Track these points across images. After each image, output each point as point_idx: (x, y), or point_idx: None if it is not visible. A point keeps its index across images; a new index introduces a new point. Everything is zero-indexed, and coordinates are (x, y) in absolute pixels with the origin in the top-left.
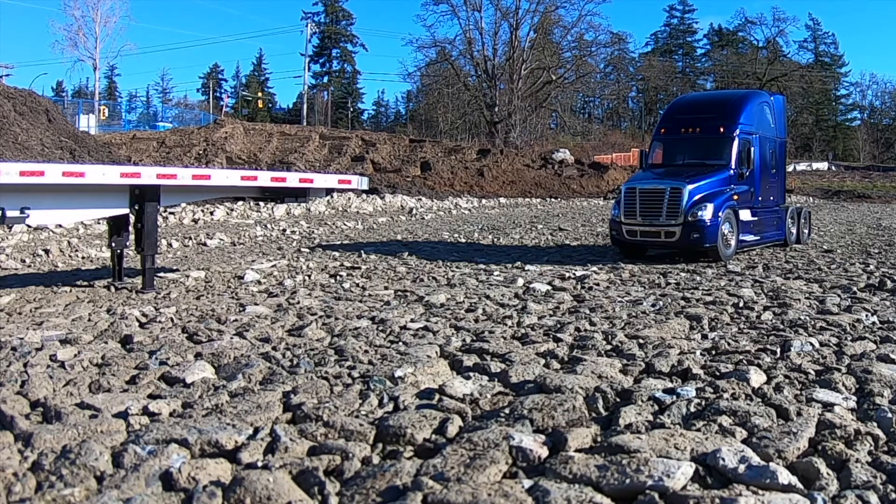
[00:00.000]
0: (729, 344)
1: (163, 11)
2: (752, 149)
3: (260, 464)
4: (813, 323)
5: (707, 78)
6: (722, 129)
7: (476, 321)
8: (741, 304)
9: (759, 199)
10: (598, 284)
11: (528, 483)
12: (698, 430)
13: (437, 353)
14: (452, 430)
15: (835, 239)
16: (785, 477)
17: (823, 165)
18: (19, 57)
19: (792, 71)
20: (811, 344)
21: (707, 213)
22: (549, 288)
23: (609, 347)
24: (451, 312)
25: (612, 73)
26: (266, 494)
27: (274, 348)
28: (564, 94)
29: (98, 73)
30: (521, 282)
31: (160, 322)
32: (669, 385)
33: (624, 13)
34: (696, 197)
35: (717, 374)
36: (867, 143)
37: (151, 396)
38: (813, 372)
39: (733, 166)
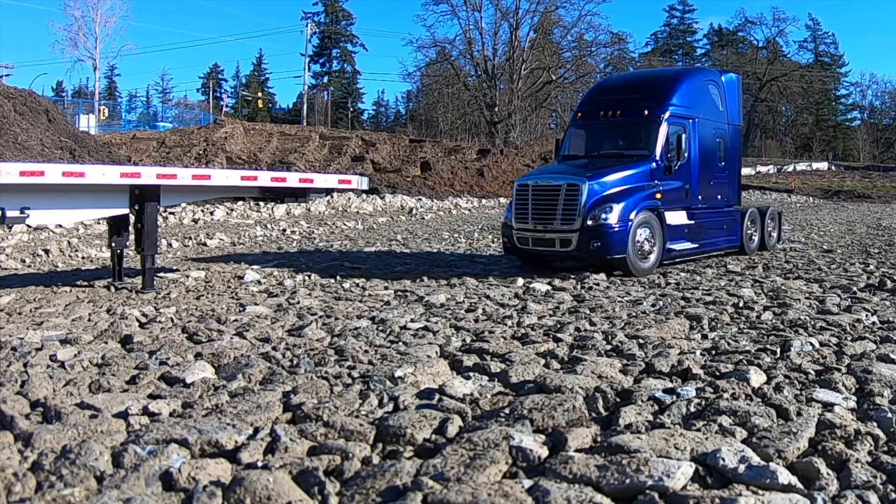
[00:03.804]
0: (729, 344)
1: (163, 11)
2: (685, 136)
3: (260, 464)
4: (813, 323)
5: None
6: (647, 112)
7: (476, 321)
8: (741, 304)
9: (699, 197)
10: (598, 284)
11: (528, 483)
12: (698, 430)
13: (437, 353)
14: (452, 430)
15: (835, 239)
16: (785, 477)
17: (823, 165)
18: (19, 57)
19: (792, 71)
20: (811, 344)
21: (612, 215)
22: (549, 288)
23: (609, 347)
24: (451, 312)
25: (612, 73)
26: (266, 494)
27: (274, 348)
28: (564, 94)
29: (98, 73)
30: (521, 282)
31: (160, 322)
32: (669, 385)
33: (624, 13)
34: (601, 195)
35: (717, 374)
36: (867, 143)
37: (151, 396)
38: (813, 372)
39: (657, 157)
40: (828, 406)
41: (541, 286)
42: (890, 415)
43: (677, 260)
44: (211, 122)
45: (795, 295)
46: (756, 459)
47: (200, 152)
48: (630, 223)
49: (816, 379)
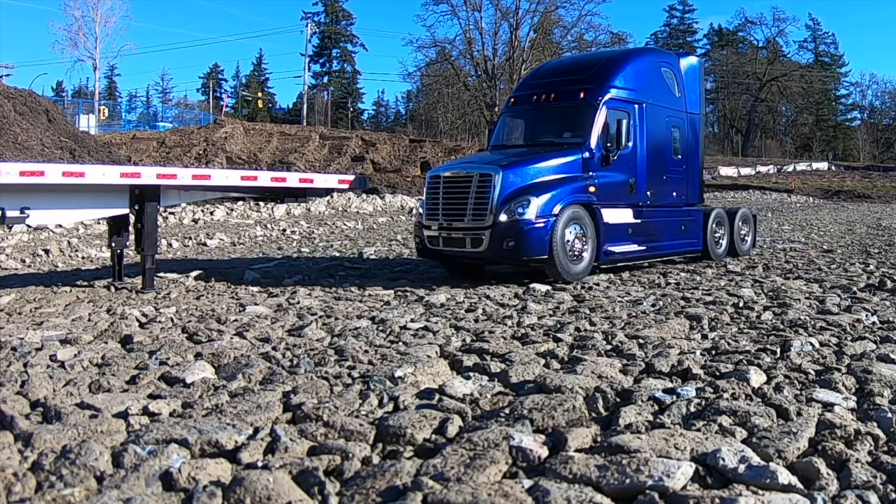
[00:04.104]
0: (729, 344)
1: (163, 11)
2: (628, 122)
3: (260, 464)
4: (813, 323)
5: (707, 78)
6: (582, 95)
7: (476, 321)
8: (741, 304)
9: (648, 193)
10: (598, 284)
11: (528, 483)
12: (698, 430)
13: (437, 353)
14: (452, 430)
15: (835, 239)
16: (785, 477)
17: (823, 165)
18: (19, 57)
19: (792, 71)
20: (811, 344)
21: (530, 209)
22: (549, 288)
23: (609, 347)
24: (451, 312)
25: None
26: (266, 494)
27: (274, 348)
28: None
29: (98, 73)
30: (520, 281)
31: (160, 322)
32: (669, 385)
33: (624, 13)
34: (519, 187)
35: (717, 374)
36: (867, 143)
37: (151, 396)
38: (813, 372)
39: (592, 145)
40: (828, 406)
41: (541, 286)
42: (890, 415)
43: (619, 264)
44: (211, 122)
45: (795, 295)
46: (756, 459)
47: (200, 152)
48: (553, 219)
49: (816, 379)
